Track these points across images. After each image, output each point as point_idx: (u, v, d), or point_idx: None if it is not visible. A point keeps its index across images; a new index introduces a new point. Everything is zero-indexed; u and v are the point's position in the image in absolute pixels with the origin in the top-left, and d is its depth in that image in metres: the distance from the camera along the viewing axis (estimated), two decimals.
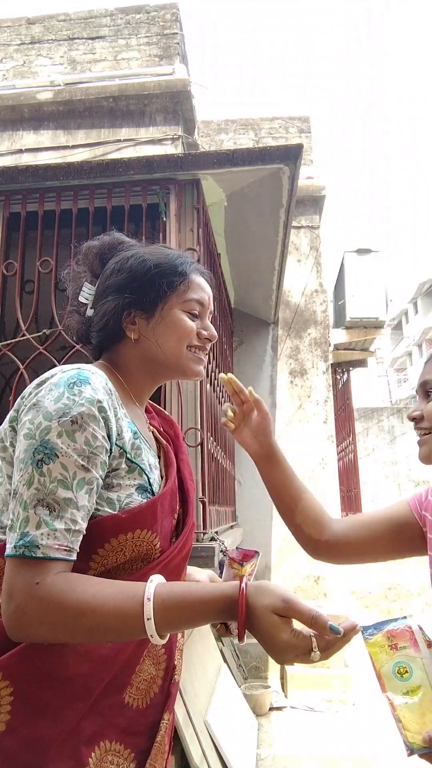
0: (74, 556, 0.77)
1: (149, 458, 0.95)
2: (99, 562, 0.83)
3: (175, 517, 1.00)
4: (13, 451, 0.84)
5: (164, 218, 3.08)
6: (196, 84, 4.64)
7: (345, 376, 7.48)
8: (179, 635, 1.00)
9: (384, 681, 1.01)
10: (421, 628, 1.05)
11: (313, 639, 0.73)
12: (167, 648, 0.94)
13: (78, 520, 0.77)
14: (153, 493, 0.92)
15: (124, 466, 0.88)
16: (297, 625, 0.75)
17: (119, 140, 4.46)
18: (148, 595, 0.74)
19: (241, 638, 0.75)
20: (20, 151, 4.55)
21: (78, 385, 0.81)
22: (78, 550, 0.78)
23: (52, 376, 0.85)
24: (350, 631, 0.74)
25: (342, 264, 6.83)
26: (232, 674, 3.96)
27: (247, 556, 1.13)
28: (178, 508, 1.01)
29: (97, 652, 0.81)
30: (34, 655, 0.77)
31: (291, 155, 3.02)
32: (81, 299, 1.05)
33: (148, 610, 0.73)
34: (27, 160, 4.42)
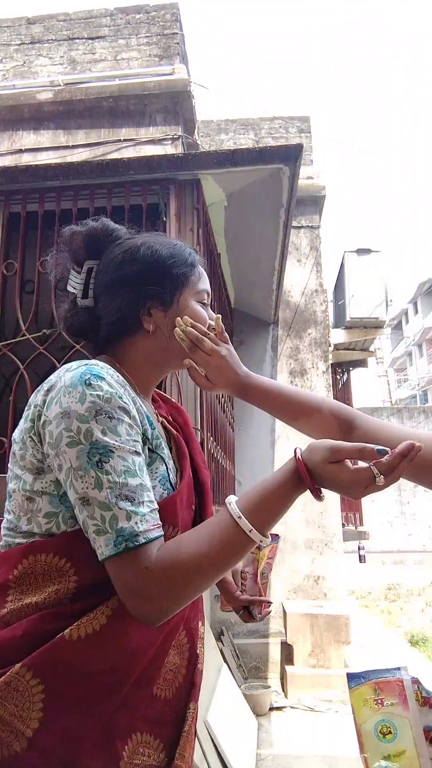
0: (162, 531, 0.81)
1: (165, 449, 0.96)
2: None
3: (193, 509, 1.00)
4: (36, 460, 0.85)
5: (164, 218, 3.08)
6: (196, 84, 4.64)
7: (345, 376, 7.48)
8: (200, 624, 1.00)
9: (363, 740, 0.89)
10: (416, 683, 0.93)
11: (373, 467, 0.77)
12: (189, 637, 0.95)
13: (153, 499, 0.81)
14: (172, 485, 0.93)
15: (147, 456, 0.89)
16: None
17: (119, 140, 4.46)
18: (237, 514, 0.79)
19: (319, 497, 0.82)
20: (20, 151, 4.55)
21: (94, 381, 0.82)
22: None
23: (60, 378, 0.84)
24: (409, 450, 0.76)
25: (342, 264, 6.83)
26: (232, 674, 3.96)
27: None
28: (195, 499, 1.01)
29: (126, 645, 0.82)
30: (62, 651, 0.78)
31: (291, 155, 3.02)
32: (69, 288, 1.03)
33: (245, 524, 0.78)
34: (27, 160, 4.42)
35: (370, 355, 7.41)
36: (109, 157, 4.24)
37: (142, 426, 0.89)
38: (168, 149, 4.31)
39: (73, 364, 0.86)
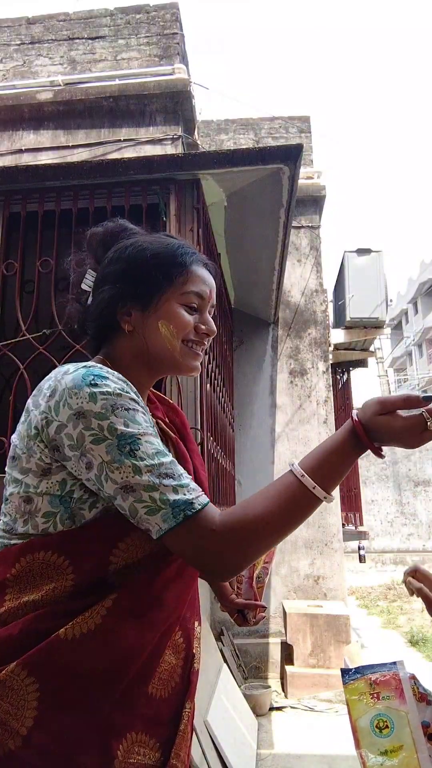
0: None
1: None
2: (120, 557, 0.84)
3: None
4: (44, 463, 0.85)
5: (164, 218, 3.08)
6: (196, 84, 4.64)
7: (345, 376, 7.48)
8: (196, 624, 1.01)
9: (359, 735, 0.87)
10: (413, 678, 0.92)
11: (423, 413, 0.81)
12: (185, 637, 0.95)
13: (185, 472, 0.84)
14: None
15: None
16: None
17: (119, 140, 4.46)
18: (300, 473, 0.82)
19: (379, 454, 0.85)
20: (20, 151, 4.55)
21: (99, 380, 0.83)
22: None
23: (59, 382, 0.84)
24: None
25: (342, 264, 6.82)
26: (232, 674, 3.96)
27: None
28: None
29: (121, 645, 0.82)
30: (57, 650, 0.78)
31: (291, 155, 3.03)
32: (83, 286, 1.02)
33: (308, 481, 0.81)
34: (27, 160, 4.42)
35: (370, 355, 7.41)
36: (109, 157, 4.24)
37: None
38: (168, 149, 4.31)
39: (69, 368, 0.86)
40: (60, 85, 4.61)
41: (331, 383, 5.84)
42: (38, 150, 4.51)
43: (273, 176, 3.16)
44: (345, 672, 0.93)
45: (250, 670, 4.71)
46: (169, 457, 0.82)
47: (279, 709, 4.06)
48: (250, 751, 3.14)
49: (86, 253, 1.04)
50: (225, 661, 4.00)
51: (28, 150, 4.53)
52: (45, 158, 4.35)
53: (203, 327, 0.99)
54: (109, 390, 0.82)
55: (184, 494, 0.80)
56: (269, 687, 4.21)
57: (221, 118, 6.29)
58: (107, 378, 0.84)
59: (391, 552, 11.74)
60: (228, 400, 4.49)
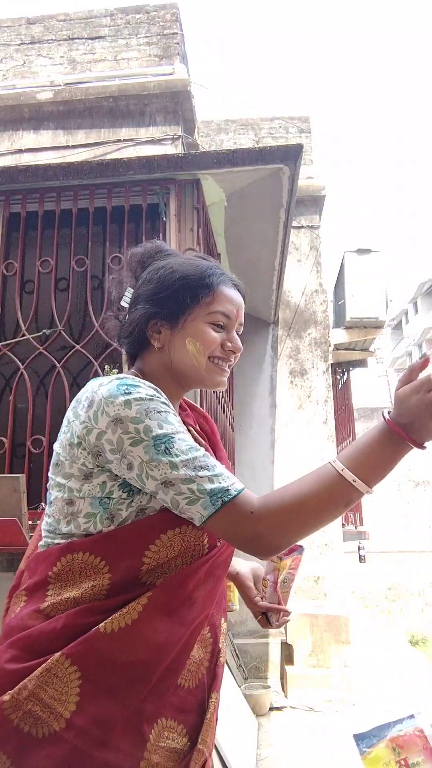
0: None
1: None
2: (152, 558, 0.91)
3: None
4: (86, 467, 0.92)
5: (164, 218, 3.08)
6: (196, 84, 4.64)
7: (345, 376, 7.48)
8: (222, 621, 1.06)
9: None
10: None
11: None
12: (213, 633, 1.02)
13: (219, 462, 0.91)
14: None
15: None
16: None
17: (119, 140, 4.46)
18: (340, 467, 0.87)
19: (419, 445, 0.87)
20: (20, 151, 4.54)
21: (131, 389, 0.90)
22: None
23: (96, 393, 0.91)
24: None
25: (342, 264, 6.82)
26: (232, 674, 3.96)
27: (291, 549, 1.14)
28: None
29: (155, 639, 0.89)
30: (98, 643, 0.86)
31: (291, 155, 3.03)
32: (122, 303, 1.10)
33: (348, 475, 0.86)
34: (27, 160, 4.41)
35: (370, 355, 7.40)
36: (109, 157, 4.23)
37: None
38: (168, 149, 4.31)
39: (104, 380, 0.94)
40: (60, 85, 4.61)
41: (331, 383, 5.84)
42: (38, 150, 4.51)
43: (273, 176, 3.16)
44: (360, 738, 0.83)
45: (250, 670, 4.71)
46: (202, 450, 0.89)
47: (279, 709, 4.06)
48: (250, 751, 3.14)
49: (127, 272, 1.12)
50: (225, 661, 4.00)
51: (28, 150, 4.53)
52: (45, 158, 4.35)
53: (229, 344, 1.05)
54: (141, 396, 0.89)
55: (220, 482, 0.87)
56: (269, 687, 4.20)
57: (221, 118, 6.29)
58: (139, 386, 0.91)
59: (391, 552, 11.74)
60: (228, 400, 4.49)
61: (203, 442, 1.12)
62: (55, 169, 3.18)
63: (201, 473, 0.87)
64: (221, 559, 0.99)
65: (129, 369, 1.10)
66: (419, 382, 0.86)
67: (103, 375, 2.71)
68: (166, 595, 0.90)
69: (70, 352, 3.01)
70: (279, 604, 1.16)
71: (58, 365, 2.96)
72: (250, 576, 1.22)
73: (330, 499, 0.87)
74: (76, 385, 3.91)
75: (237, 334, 1.07)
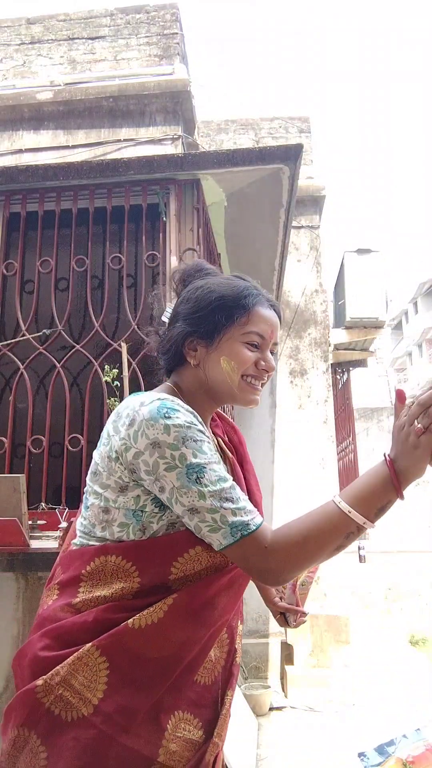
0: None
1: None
2: (179, 569, 0.97)
3: None
4: (122, 481, 0.98)
5: (164, 218, 3.08)
6: (196, 84, 4.64)
7: (345, 376, 7.47)
8: (239, 623, 1.13)
9: None
10: None
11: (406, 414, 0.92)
12: (230, 635, 1.09)
13: (243, 494, 0.97)
14: None
15: None
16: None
17: (119, 140, 4.46)
18: (348, 510, 0.91)
19: (400, 495, 0.93)
20: (20, 151, 4.54)
21: (171, 413, 0.94)
22: None
23: (137, 413, 0.95)
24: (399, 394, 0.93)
25: (342, 264, 6.82)
26: None
27: None
28: None
29: (178, 638, 0.96)
30: (126, 637, 0.92)
31: (291, 155, 3.02)
32: (162, 318, 1.15)
33: (356, 516, 0.91)
34: (27, 160, 4.41)
35: (370, 355, 7.40)
36: (109, 157, 4.23)
37: None
38: (168, 149, 4.31)
39: (145, 398, 0.98)
40: (60, 85, 4.61)
41: (331, 383, 5.84)
42: (38, 150, 4.51)
43: (273, 176, 3.16)
44: (364, 756, 0.86)
45: (250, 670, 4.71)
46: (230, 482, 0.95)
47: (279, 709, 4.06)
48: (250, 751, 3.14)
49: (168, 288, 1.18)
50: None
51: (28, 150, 4.53)
52: (45, 158, 4.34)
53: (263, 363, 1.08)
54: (180, 423, 0.94)
55: (242, 516, 0.92)
56: (269, 687, 4.21)
57: (221, 118, 6.29)
58: (178, 411, 0.95)
59: (391, 552, 11.73)
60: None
61: (230, 455, 1.17)
62: (55, 169, 3.18)
63: (226, 505, 0.92)
64: (242, 572, 1.04)
65: (165, 381, 1.15)
66: (405, 417, 0.91)
67: (103, 375, 2.72)
68: (190, 599, 0.96)
69: (70, 352, 3.01)
70: (297, 605, 1.22)
71: (58, 365, 2.96)
72: None
73: (332, 535, 0.92)
74: (76, 385, 3.91)
75: (271, 353, 1.11)
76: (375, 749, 0.86)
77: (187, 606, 0.95)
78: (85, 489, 1.06)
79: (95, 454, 1.04)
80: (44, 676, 0.92)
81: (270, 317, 1.09)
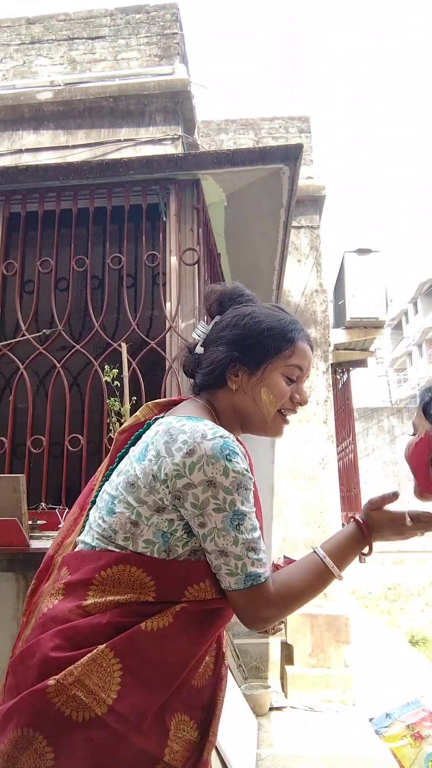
0: None
1: None
2: (191, 594, 1.01)
3: None
4: (161, 502, 1.00)
5: (164, 218, 3.08)
6: (196, 84, 4.63)
7: (345, 376, 7.48)
8: (224, 631, 1.17)
9: None
10: None
11: (405, 512, 1.07)
12: (217, 641, 1.13)
13: (263, 545, 1.03)
14: None
15: None
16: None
17: (119, 140, 4.46)
18: (331, 566, 1.03)
19: (366, 553, 1.09)
20: (20, 151, 4.54)
21: (233, 456, 0.98)
22: None
23: (199, 446, 0.98)
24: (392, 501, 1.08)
25: (342, 264, 6.82)
26: (232, 674, 3.96)
27: (287, 562, 1.22)
28: None
29: (186, 643, 1.00)
30: (139, 639, 0.95)
31: (291, 155, 3.02)
32: (194, 335, 1.19)
33: (336, 572, 1.04)
34: (27, 160, 4.41)
35: (370, 355, 7.40)
36: (109, 157, 4.23)
37: None
38: (168, 149, 4.31)
39: (207, 431, 1.00)
40: (60, 85, 4.61)
41: (331, 383, 5.84)
42: (38, 150, 4.51)
43: (273, 176, 3.16)
44: (375, 723, 1.09)
45: (250, 670, 4.71)
46: (258, 532, 1.01)
47: (279, 709, 4.06)
48: (250, 751, 3.13)
49: (201, 306, 1.16)
50: (228, 663, 3.99)
51: (28, 150, 4.53)
52: (45, 158, 4.34)
53: (297, 397, 1.15)
54: (239, 469, 0.98)
55: (257, 568, 0.99)
56: (269, 687, 4.20)
57: (221, 118, 6.29)
58: (238, 455, 0.99)
59: (391, 552, 11.73)
60: None
61: None
62: (55, 169, 3.18)
63: (250, 555, 0.99)
64: None
65: (192, 396, 1.19)
66: (396, 515, 1.07)
67: (103, 375, 2.72)
68: (196, 610, 1.01)
69: (70, 352, 3.01)
70: None
71: (58, 365, 2.96)
72: None
73: (319, 590, 1.04)
74: (76, 385, 3.91)
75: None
76: (382, 716, 1.02)
77: (193, 616, 1.00)
78: (109, 491, 1.06)
79: (136, 466, 1.03)
80: (56, 677, 0.92)
81: (308, 352, 1.16)
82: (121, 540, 1.02)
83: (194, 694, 1.05)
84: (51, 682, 0.92)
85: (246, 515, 0.98)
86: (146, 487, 1.00)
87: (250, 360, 1.11)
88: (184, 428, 1.00)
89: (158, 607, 0.98)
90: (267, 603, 0.99)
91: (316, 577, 1.03)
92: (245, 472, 1.00)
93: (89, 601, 0.99)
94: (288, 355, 1.11)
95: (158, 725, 0.96)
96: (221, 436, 0.99)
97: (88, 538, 1.07)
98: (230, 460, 0.97)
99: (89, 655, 0.93)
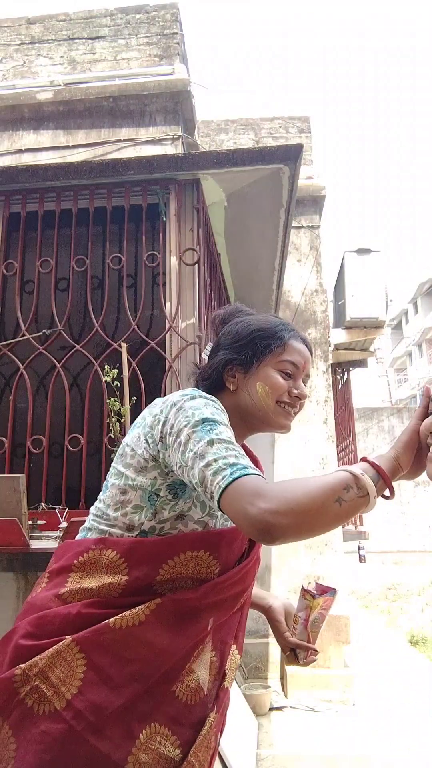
0: None
1: None
2: (167, 571, 0.99)
3: (243, 551, 1.12)
4: (144, 459, 1.04)
5: (164, 218, 3.08)
6: (196, 84, 4.63)
7: (345, 376, 7.48)
8: (234, 650, 1.14)
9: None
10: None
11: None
12: (219, 658, 1.09)
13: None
14: None
15: None
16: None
17: (119, 140, 4.46)
18: (360, 472, 0.89)
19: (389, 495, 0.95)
20: (20, 151, 4.54)
21: (198, 393, 1.04)
22: None
23: (172, 395, 1.06)
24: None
25: (342, 264, 6.82)
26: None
27: (324, 590, 1.23)
28: (246, 543, 1.12)
29: (158, 644, 0.96)
30: (106, 636, 0.94)
31: (291, 155, 3.02)
32: (203, 355, 1.26)
33: (353, 468, 0.90)
34: (27, 160, 4.41)
35: (370, 355, 7.41)
36: (109, 157, 4.23)
37: None
38: (168, 149, 4.31)
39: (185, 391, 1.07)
40: (60, 85, 4.61)
41: (331, 383, 5.84)
42: (38, 150, 4.51)
43: (273, 176, 3.16)
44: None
45: (250, 670, 4.71)
46: (238, 446, 0.98)
47: (279, 709, 4.06)
48: (250, 751, 3.13)
49: (211, 330, 1.26)
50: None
51: (28, 150, 4.53)
52: (45, 158, 4.34)
53: (295, 391, 1.16)
54: (205, 396, 1.04)
55: (243, 463, 0.93)
56: (269, 687, 4.21)
57: (221, 118, 6.29)
58: (205, 398, 1.04)
59: (391, 552, 11.74)
60: None
61: None
62: (55, 169, 3.18)
63: (230, 452, 0.94)
64: (229, 584, 1.05)
65: None
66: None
67: (103, 375, 2.72)
68: (173, 606, 0.98)
69: (70, 352, 3.01)
70: (308, 642, 1.22)
71: (58, 365, 2.96)
72: (282, 611, 1.29)
73: (331, 485, 0.88)
74: (76, 385, 3.91)
75: (303, 384, 1.19)
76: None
77: (169, 613, 0.97)
78: (107, 474, 1.11)
79: (127, 438, 1.10)
80: (22, 666, 0.93)
81: (303, 349, 1.18)
82: (111, 512, 1.05)
83: (181, 708, 1.00)
84: (17, 671, 0.93)
85: (217, 422, 0.98)
86: (132, 451, 1.06)
87: (243, 359, 1.15)
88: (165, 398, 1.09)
89: (133, 599, 0.97)
90: (259, 494, 0.87)
91: (331, 478, 0.89)
92: (213, 400, 1.05)
93: (66, 589, 1.00)
94: (279, 352, 1.15)
95: (122, 729, 0.93)
96: (191, 389, 1.08)
97: (85, 525, 1.11)
98: (196, 394, 1.04)
99: (55, 647, 0.93)
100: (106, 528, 1.04)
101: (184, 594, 1.00)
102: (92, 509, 1.11)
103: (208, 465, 0.92)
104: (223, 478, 0.90)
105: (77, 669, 0.92)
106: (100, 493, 1.11)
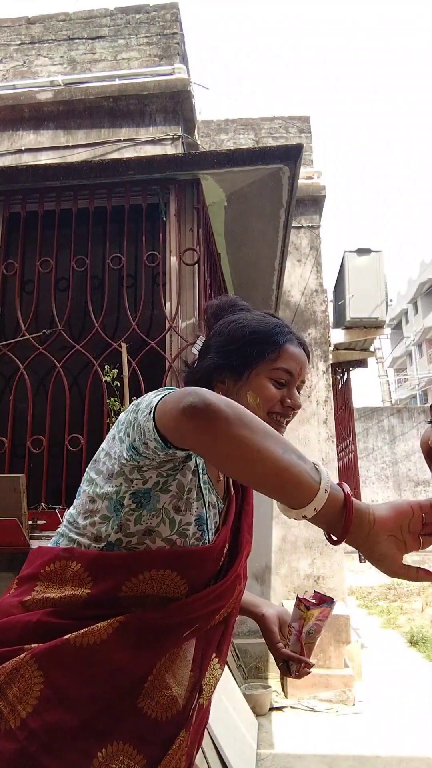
0: None
1: (211, 497, 1.03)
2: (130, 588, 0.93)
3: (219, 567, 1.03)
4: (111, 465, 0.97)
5: (164, 218, 3.08)
6: (196, 84, 4.64)
7: (345, 376, 7.48)
8: (216, 663, 1.07)
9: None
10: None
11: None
12: (195, 673, 1.01)
13: None
14: (207, 530, 1.00)
15: (195, 490, 0.98)
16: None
17: (119, 140, 4.46)
18: (326, 487, 0.80)
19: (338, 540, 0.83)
20: (20, 151, 4.54)
21: (167, 389, 0.93)
22: None
23: (144, 398, 0.96)
24: None
25: (342, 264, 6.82)
26: (232, 674, 3.96)
27: (322, 600, 1.16)
28: (223, 559, 1.04)
29: (120, 664, 0.91)
30: (65, 653, 0.89)
31: (291, 155, 3.03)
32: (193, 350, 1.16)
33: (326, 481, 0.80)
34: (27, 160, 4.42)
35: (370, 355, 7.41)
36: (109, 157, 4.23)
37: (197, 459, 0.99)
38: (168, 149, 4.31)
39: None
40: (60, 85, 4.61)
41: (331, 383, 5.84)
42: (38, 150, 4.51)
43: (273, 176, 3.16)
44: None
45: (250, 670, 4.71)
46: None
47: (279, 709, 4.06)
48: (250, 751, 3.13)
49: (203, 322, 1.17)
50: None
51: (28, 150, 4.53)
52: (45, 158, 4.35)
53: (289, 401, 1.06)
54: (171, 389, 0.90)
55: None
56: (269, 687, 4.20)
57: (221, 118, 6.29)
58: (173, 389, 0.94)
59: None
60: None
61: (233, 495, 1.12)
62: (55, 169, 3.18)
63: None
64: (201, 603, 0.97)
65: None
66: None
67: (103, 375, 2.72)
68: (137, 624, 0.91)
69: (70, 352, 3.01)
70: (301, 654, 1.16)
71: (58, 365, 2.97)
72: (276, 620, 1.23)
73: (288, 444, 0.80)
74: (76, 385, 3.91)
75: (297, 390, 1.09)
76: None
77: (134, 631, 0.91)
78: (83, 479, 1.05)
79: (103, 444, 1.03)
80: None
81: (299, 355, 1.09)
82: (81, 521, 0.99)
83: (149, 726, 0.94)
84: None
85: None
86: (105, 457, 0.99)
87: (234, 366, 1.06)
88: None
89: (96, 611, 0.92)
90: (197, 389, 0.80)
91: (297, 468, 0.79)
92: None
93: (30, 597, 0.96)
94: (273, 359, 1.05)
95: (76, 749, 0.87)
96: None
97: (59, 530, 1.05)
98: (162, 391, 0.92)
99: (14, 661, 0.89)
100: (75, 537, 0.99)
101: (150, 613, 0.93)
102: (66, 514, 1.05)
103: (140, 411, 0.90)
104: (156, 395, 0.88)
105: (34, 687, 0.87)
106: (75, 499, 1.05)
